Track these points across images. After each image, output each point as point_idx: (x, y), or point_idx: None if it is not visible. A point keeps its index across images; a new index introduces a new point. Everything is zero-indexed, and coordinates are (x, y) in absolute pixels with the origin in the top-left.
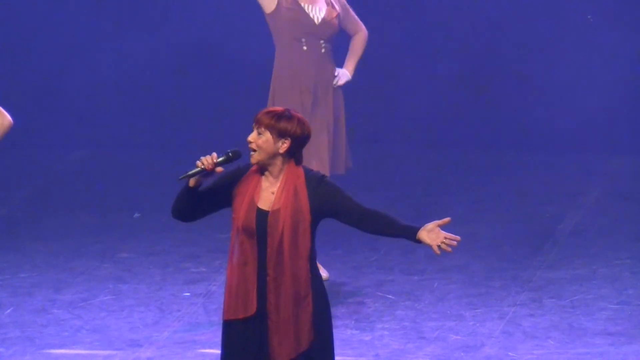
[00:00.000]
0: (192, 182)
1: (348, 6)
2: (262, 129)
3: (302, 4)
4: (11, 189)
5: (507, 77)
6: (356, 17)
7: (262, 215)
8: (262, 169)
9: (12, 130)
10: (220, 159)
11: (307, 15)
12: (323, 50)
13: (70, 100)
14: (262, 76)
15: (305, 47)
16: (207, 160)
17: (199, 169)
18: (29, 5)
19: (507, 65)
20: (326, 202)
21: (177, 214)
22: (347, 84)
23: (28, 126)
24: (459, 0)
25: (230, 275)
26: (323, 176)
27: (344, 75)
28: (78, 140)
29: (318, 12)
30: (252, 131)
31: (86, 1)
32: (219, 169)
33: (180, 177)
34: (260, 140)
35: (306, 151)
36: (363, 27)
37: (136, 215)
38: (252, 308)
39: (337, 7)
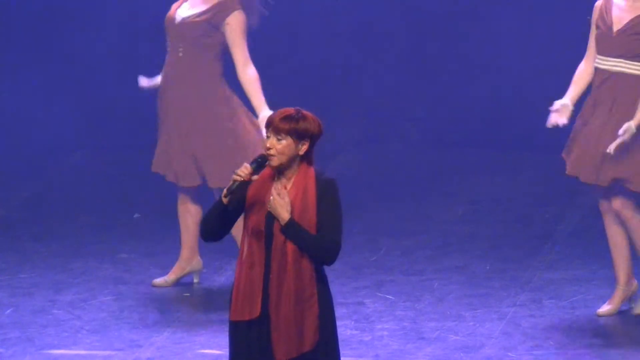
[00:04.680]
0: (225, 200)
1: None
2: (282, 134)
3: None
4: (11, 189)
5: (507, 77)
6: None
7: (271, 217)
8: (278, 172)
9: (11, 132)
10: (253, 166)
11: (175, 11)
12: (181, 54)
13: (70, 101)
14: (262, 76)
15: (168, 49)
16: (244, 172)
17: (237, 182)
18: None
19: (507, 65)
20: (322, 202)
21: (211, 235)
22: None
23: (28, 126)
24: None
25: (238, 277)
26: (333, 180)
27: None
28: (78, 140)
29: (186, 11)
30: (263, 135)
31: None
32: (254, 176)
33: (225, 196)
34: (280, 146)
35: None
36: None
37: (136, 215)
38: (257, 310)
39: (232, 19)
